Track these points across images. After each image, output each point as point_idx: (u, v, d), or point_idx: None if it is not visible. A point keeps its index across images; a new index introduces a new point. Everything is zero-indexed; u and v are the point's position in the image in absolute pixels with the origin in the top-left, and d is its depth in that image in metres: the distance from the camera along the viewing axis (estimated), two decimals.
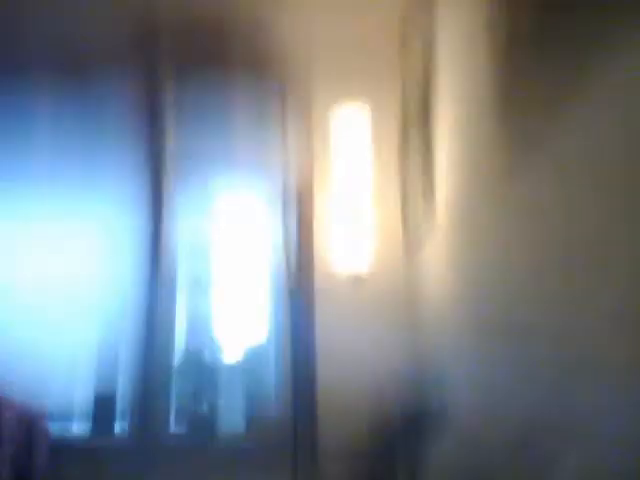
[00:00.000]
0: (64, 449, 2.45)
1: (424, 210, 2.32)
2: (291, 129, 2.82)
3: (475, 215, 1.90)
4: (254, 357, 2.71)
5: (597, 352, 1.12)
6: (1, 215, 2.69)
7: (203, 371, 2.50)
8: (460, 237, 2.05)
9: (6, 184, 2.70)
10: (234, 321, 2.75)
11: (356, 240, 2.53)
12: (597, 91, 1.12)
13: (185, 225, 2.76)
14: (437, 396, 2.13)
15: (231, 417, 2.65)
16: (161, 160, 2.70)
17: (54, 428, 2.49)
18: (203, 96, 2.79)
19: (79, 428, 2.57)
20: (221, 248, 2.79)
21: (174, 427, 2.53)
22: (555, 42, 1.25)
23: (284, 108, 2.84)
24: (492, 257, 1.76)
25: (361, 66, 2.88)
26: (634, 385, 0.97)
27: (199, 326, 2.71)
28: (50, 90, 2.80)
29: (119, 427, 2.54)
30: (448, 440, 1.39)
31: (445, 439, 1.40)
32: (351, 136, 2.57)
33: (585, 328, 1.18)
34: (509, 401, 1.60)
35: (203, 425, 2.48)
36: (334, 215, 2.62)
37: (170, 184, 2.70)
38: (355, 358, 2.54)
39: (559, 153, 1.29)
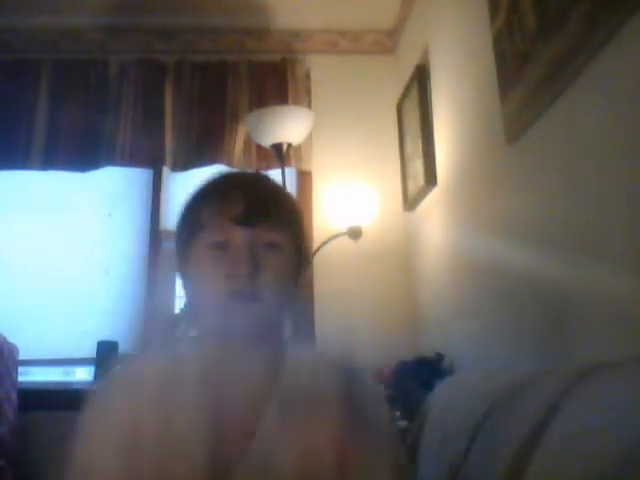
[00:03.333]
0: (67, 393, 2.52)
1: (423, 169, 2.37)
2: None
3: (473, 177, 1.95)
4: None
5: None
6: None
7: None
8: (457, 197, 2.12)
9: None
10: None
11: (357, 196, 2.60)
12: (605, 58, 1.18)
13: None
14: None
15: None
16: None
17: (59, 373, 2.56)
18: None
19: (83, 373, 2.65)
20: None
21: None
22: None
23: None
24: (487, 216, 1.84)
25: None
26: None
27: None
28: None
29: None
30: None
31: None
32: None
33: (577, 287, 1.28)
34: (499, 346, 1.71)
35: None
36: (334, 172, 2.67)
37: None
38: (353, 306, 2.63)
39: (557, 122, 1.35)
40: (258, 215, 0.84)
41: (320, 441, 0.81)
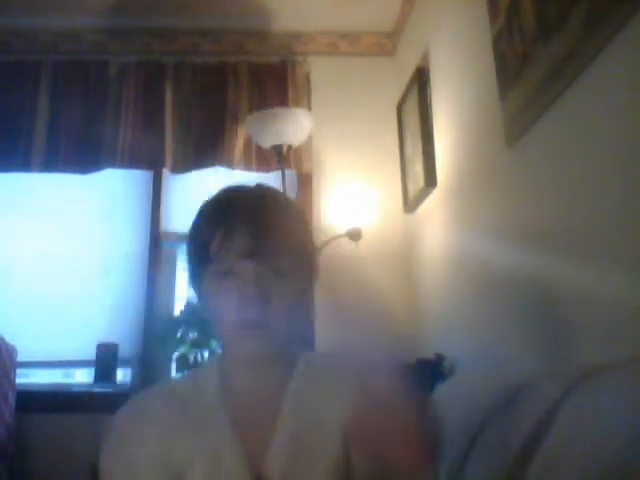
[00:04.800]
0: (67, 395, 2.52)
1: (423, 170, 2.37)
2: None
3: (472, 179, 1.95)
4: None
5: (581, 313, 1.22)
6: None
7: (203, 320, 2.55)
8: (457, 198, 2.12)
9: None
10: None
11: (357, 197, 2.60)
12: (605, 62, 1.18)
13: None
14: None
15: None
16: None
17: (59, 375, 2.56)
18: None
19: (82, 375, 2.65)
20: None
21: (175, 374, 2.59)
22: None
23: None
24: (487, 217, 1.84)
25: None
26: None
27: None
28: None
29: (121, 375, 2.61)
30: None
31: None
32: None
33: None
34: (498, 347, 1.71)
35: None
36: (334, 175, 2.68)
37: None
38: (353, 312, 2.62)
39: (557, 124, 1.35)
40: (265, 246, 0.84)
41: (333, 434, 0.83)
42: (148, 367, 2.60)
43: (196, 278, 0.90)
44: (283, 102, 2.78)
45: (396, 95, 2.81)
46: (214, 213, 0.90)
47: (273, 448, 0.83)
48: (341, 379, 0.87)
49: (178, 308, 2.66)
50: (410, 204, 2.61)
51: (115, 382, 2.56)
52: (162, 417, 0.87)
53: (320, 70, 2.93)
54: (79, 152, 2.70)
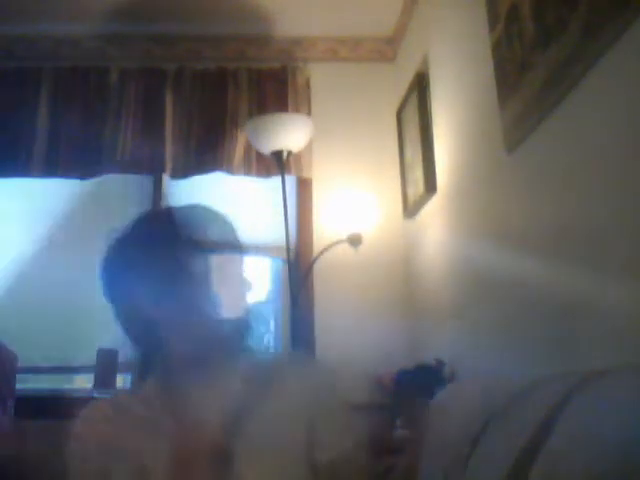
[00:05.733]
0: (67, 401, 2.52)
1: (423, 176, 2.37)
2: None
3: (472, 185, 1.96)
4: (255, 314, 2.78)
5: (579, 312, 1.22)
6: None
7: None
8: (457, 204, 2.13)
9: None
10: None
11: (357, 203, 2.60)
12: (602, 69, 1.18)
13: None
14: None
15: None
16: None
17: (58, 381, 2.56)
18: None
19: (82, 381, 2.64)
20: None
21: None
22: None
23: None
24: (487, 223, 1.84)
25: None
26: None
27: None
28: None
29: (121, 380, 2.61)
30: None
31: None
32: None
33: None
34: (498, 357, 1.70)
35: None
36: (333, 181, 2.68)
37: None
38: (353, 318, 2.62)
39: (556, 130, 1.35)
40: (240, 241, 1.03)
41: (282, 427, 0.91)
42: (147, 373, 2.59)
43: (177, 272, 0.95)
44: (283, 108, 2.79)
45: (396, 101, 2.82)
46: (193, 215, 1.01)
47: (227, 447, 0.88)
48: (294, 379, 0.97)
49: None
50: (410, 210, 2.61)
51: (115, 388, 2.55)
52: (116, 422, 0.95)
53: (320, 76, 2.94)
54: (79, 157, 2.71)
